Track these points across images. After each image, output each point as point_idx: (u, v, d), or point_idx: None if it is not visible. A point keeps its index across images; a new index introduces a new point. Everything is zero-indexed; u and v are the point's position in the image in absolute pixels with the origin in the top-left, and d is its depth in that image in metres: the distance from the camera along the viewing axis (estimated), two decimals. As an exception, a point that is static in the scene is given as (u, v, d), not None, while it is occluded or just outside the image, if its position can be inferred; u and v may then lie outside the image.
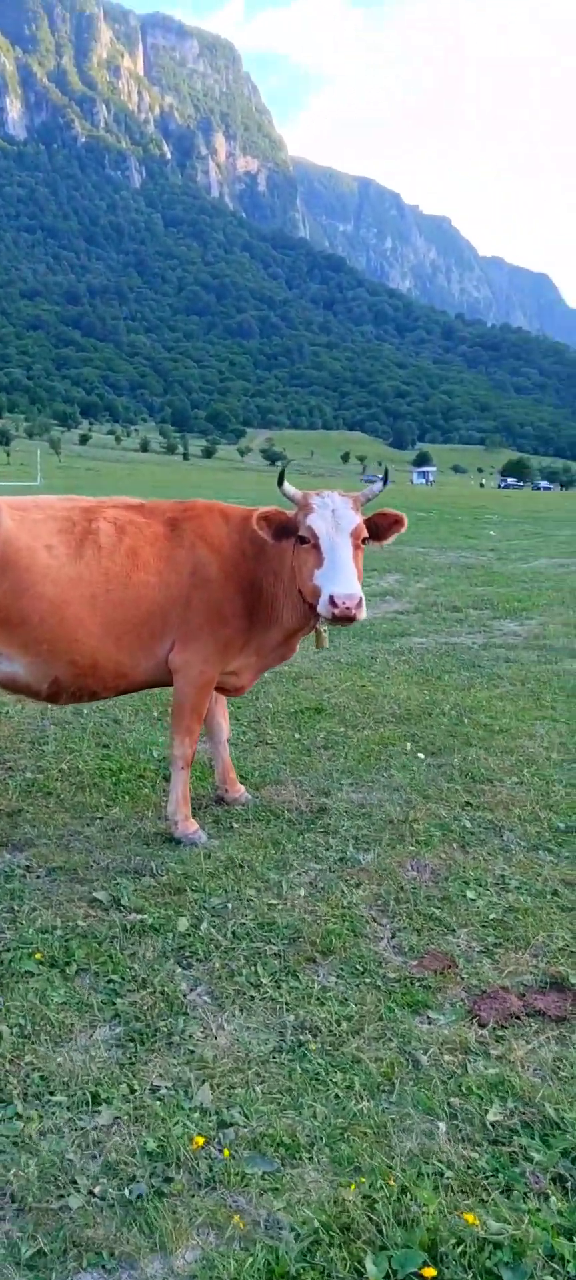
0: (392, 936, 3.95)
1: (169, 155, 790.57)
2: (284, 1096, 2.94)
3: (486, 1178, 2.58)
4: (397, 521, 4.69)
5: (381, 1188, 2.52)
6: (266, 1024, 3.32)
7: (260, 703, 7.49)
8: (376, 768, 6.02)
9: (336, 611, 4.27)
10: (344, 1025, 3.30)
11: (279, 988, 3.54)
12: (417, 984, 3.57)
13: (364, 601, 4.35)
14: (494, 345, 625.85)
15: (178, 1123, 2.80)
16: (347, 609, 4.26)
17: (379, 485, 4.84)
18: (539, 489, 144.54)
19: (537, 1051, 3.19)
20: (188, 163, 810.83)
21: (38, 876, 4.40)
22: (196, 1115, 2.84)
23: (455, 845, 4.85)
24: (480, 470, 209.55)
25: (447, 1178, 2.58)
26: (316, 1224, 2.39)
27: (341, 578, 4.32)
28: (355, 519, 4.48)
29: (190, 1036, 3.24)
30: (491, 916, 4.11)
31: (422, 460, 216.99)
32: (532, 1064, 3.12)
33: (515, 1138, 2.75)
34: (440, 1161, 2.64)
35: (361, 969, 3.67)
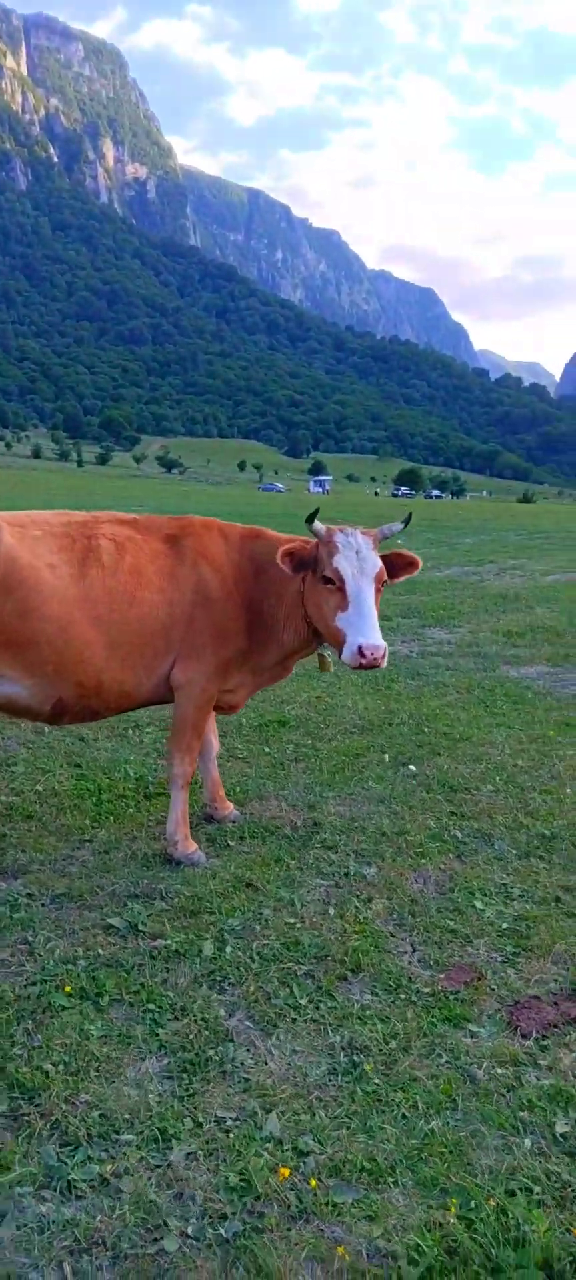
0: (414, 950, 3.98)
1: (56, 159, 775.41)
2: (352, 1120, 2.92)
3: (574, 1190, 2.63)
4: (412, 564, 4.66)
5: (476, 1207, 2.53)
6: (314, 1046, 3.30)
7: (222, 718, 7.41)
8: (353, 780, 6.05)
9: (364, 662, 4.24)
10: (392, 1044, 3.30)
11: (318, 1008, 3.51)
12: (452, 998, 3.60)
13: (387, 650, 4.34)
14: (383, 357, 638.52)
15: (254, 1154, 2.74)
16: (375, 659, 4.24)
17: (398, 525, 4.72)
18: (431, 497, 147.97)
19: (583, 1058, 3.26)
20: (75, 167, 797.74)
21: (43, 904, 4.24)
22: (270, 1145, 2.79)
23: (451, 856, 4.92)
24: (373, 479, 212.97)
25: (537, 1193, 2.61)
26: (424, 1250, 2.38)
27: (368, 627, 4.28)
28: (378, 562, 4.44)
29: (241, 1064, 3.18)
30: (504, 926, 4.18)
31: (318, 469, 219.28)
32: (582, 1071, 3.19)
33: (592, 1145, 2.80)
34: (526, 1177, 2.67)
35: (394, 985, 3.68)
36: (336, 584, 4.39)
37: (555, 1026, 3.45)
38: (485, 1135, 2.86)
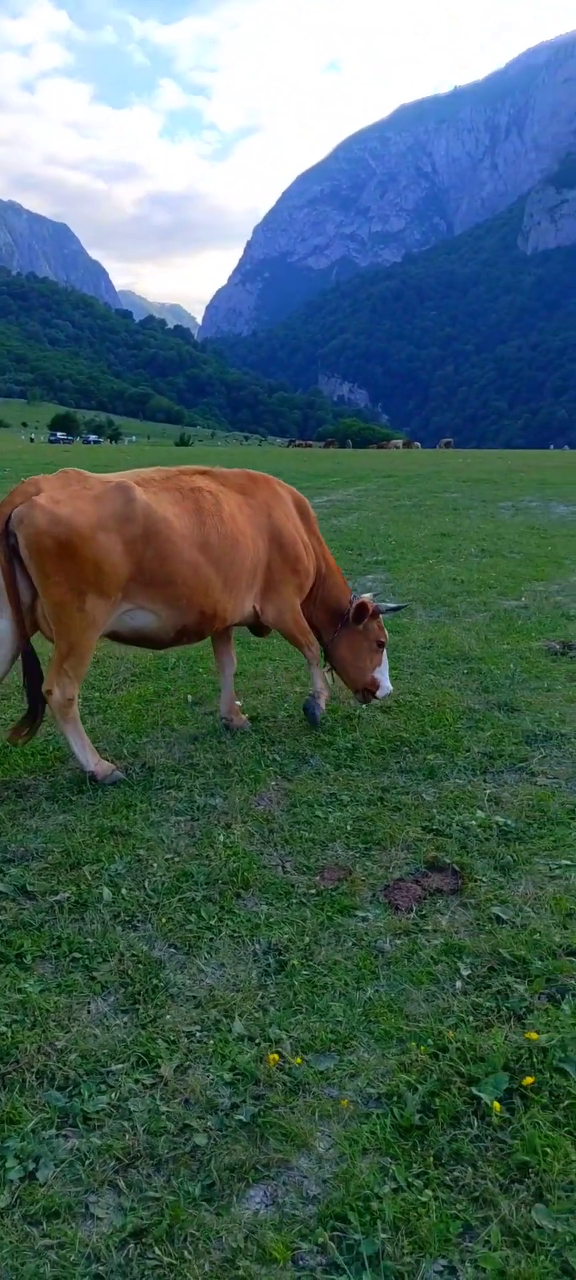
0: (285, 861, 4.42)
1: None
2: (301, 1007, 3.33)
3: (499, 1013, 3.26)
4: None
5: (435, 1043, 3.07)
6: (240, 956, 3.64)
7: None
8: (160, 723, 6.31)
9: (387, 700, 6.42)
10: (305, 939, 3.74)
11: (229, 925, 3.85)
12: (334, 893, 4.11)
13: None
14: (22, 295, 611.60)
15: (237, 1052, 3.07)
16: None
17: (394, 605, 7.08)
18: (89, 443, 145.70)
19: (456, 917, 3.92)
20: None
21: None
22: (246, 1042, 3.13)
23: (280, 777, 5.40)
24: (25, 425, 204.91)
25: (472, 1022, 3.21)
26: (414, 1083, 2.88)
27: (389, 679, 6.41)
28: None
29: (184, 985, 3.45)
30: (348, 828, 4.75)
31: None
32: (459, 927, 3.84)
33: (494, 979, 3.46)
34: (460, 1012, 3.26)
35: (284, 893, 4.11)
36: (382, 648, 6.31)
37: (424, 899, 4.09)
38: (411, 991, 3.40)
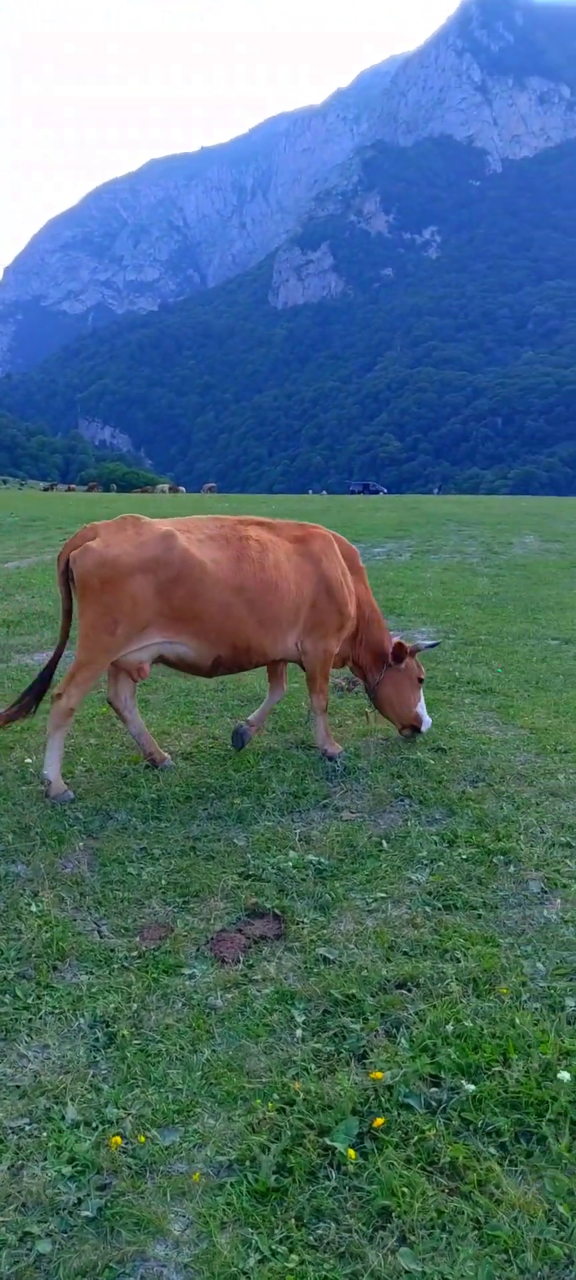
0: (101, 924, 4.20)
1: None
2: (136, 1080, 3.14)
3: (340, 1056, 3.24)
4: None
5: (281, 1097, 3.00)
6: (65, 1035, 3.40)
7: None
8: (-57, 789, 5.85)
9: (426, 731, 6.83)
10: (133, 1006, 3.56)
11: (48, 1001, 3.58)
12: (158, 952, 3.94)
13: None
14: None
15: (74, 1140, 2.84)
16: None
17: (428, 644, 8.15)
18: None
19: (283, 963, 3.89)
20: None
21: None
22: (83, 1128, 2.91)
23: (85, 835, 5.13)
24: None
25: (315, 1069, 3.17)
26: (266, 1144, 2.79)
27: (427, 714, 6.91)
28: None
29: (5, 1075, 3.17)
30: (163, 882, 4.60)
31: None
32: (288, 972, 3.81)
33: (330, 1021, 3.44)
34: (302, 1060, 3.21)
35: (104, 959, 3.89)
36: (420, 684, 6.81)
37: (249, 948, 4.02)
38: (250, 1046, 3.32)
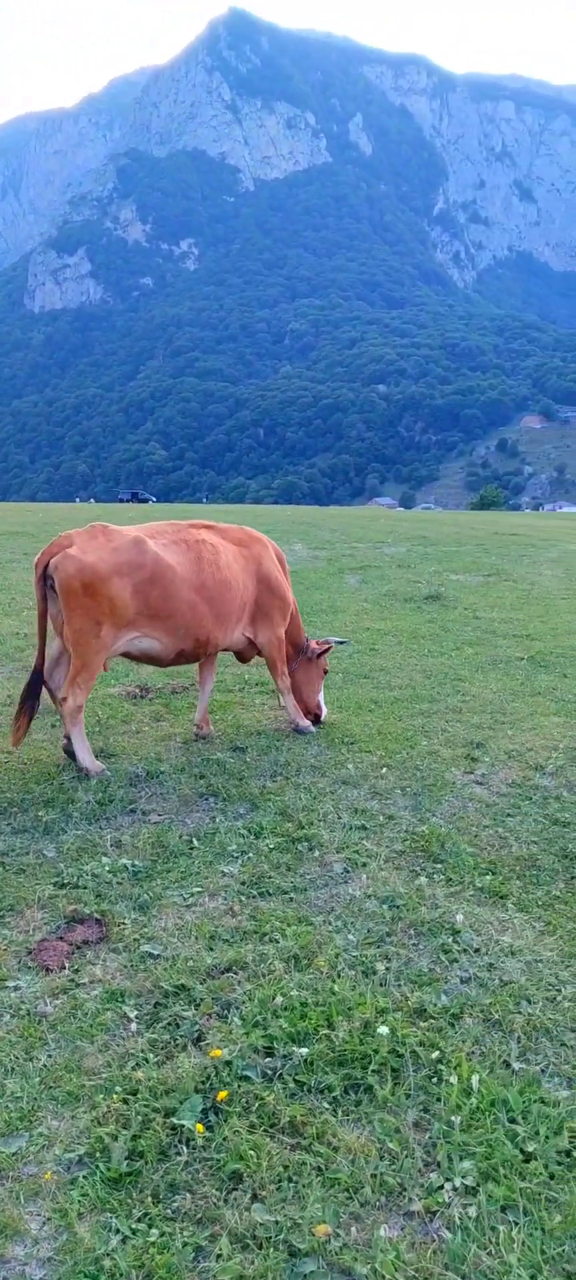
0: None
1: None
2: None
3: (177, 1042, 3.37)
4: None
5: (125, 1088, 3.09)
6: None
7: None
8: None
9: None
10: (-40, 1024, 3.50)
11: None
12: (-22, 970, 3.88)
13: None
14: None
15: None
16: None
17: (338, 640, 8.76)
18: None
19: (109, 964, 3.95)
20: None
21: None
22: None
23: None
24: None
25: (154, 1059, 3.28)
26: (119, 1134, 2.87)
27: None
28: None
29: None
30: (-26, 901, 4.51)
31: None
32: (115, 972, 3.88)
33: (163, 1012, 3.55)
34: (140, 1052, 3.31)
35: None
36: (323, 676, 7.76)
37: (73, 954, 4.04)
38: (86, 1046, 3.37)
